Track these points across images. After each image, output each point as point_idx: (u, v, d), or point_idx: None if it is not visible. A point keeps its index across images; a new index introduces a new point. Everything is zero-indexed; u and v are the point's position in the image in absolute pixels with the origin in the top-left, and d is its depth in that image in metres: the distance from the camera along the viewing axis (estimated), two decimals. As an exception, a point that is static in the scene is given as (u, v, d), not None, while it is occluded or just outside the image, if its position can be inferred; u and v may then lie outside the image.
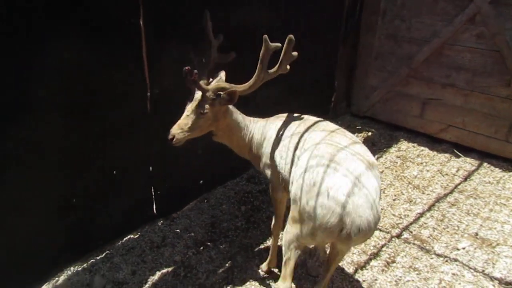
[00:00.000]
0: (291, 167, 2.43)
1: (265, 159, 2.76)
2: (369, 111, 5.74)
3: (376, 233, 3.60)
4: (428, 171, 4.57)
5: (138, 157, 3.32)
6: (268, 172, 2.77)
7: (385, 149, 5.04)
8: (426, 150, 5.01)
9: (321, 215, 2.04)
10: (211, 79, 2.67)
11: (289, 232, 2.32)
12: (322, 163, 2.15)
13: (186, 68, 2.36)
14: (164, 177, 3.60)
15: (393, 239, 3.54)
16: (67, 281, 3.04)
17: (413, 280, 3.09)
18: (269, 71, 2.53)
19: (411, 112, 5.31)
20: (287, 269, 2.40)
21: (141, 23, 2.93)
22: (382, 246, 3.45)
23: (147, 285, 3.04)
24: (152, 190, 3.56)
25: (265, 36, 2.35)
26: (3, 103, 2.39)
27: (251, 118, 2.87)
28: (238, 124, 2.77)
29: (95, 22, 2.71)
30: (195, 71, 2.38)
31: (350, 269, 3.20)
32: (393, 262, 3.28)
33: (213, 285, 3.05)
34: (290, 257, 2.36)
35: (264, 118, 2.87)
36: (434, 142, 5.14)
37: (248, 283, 3.08)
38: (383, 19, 5.22)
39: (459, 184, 4.33)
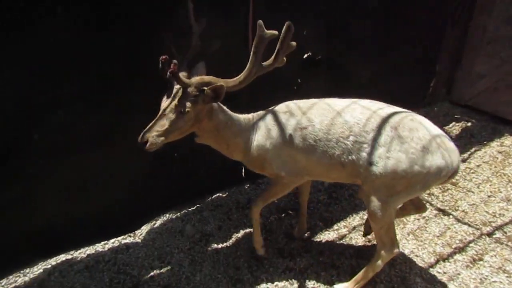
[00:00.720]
0: (353, 150, 2.37)
1: (278, 151, 2.54)
2: (472, 100, 5.33)
3: (464, 227, 3.45)
4: (533, 171, 4.18)
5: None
6: (282, 164, 2.57)
7: (485, 142, 4.68)
8: (534, 149, 4.56)
9: (443, 167, 2.28)
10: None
11: (389, 203, 2.41)
12: (409, 133, 2.28)
13: (163, 57, 2.02)
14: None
15: (483, 236, 3.35)
16: (162, 226, 3.42)
17: (501, 282, 2.93)
18: (263, 63, 2.26)
19: (522, 106, 4.83)
20: (393, 234, 2.60)
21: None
22: (470, 242, 3.29)
23: (230, 241, 3.29)
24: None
25: (260, 21, 2.10)
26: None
27: (243, 116, 2.58)
28: (227, 125, 2.45)
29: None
30: (174, 61, 2.01)
31: (431, 259, 3.13)
32: (480, 260, 3.12)
33: (292, 251, 3.20)
34: (391, 224, 2.54)
35: (254, 113, 2.64)
36: (545, 141, 4.64)
37: (326, 254, 3.18)
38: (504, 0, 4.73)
39: None
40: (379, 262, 2.65)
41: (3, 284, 2.84)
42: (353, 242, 3.30)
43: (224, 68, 3.17)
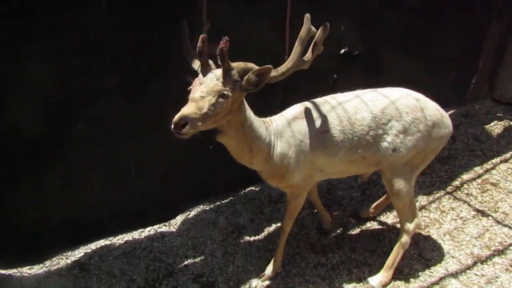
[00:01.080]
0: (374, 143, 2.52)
1: (300, 158, 2.45)
2: (515, 97, 5.10)
3: (504, 229, 3.33)
4: None
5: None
6: (300, 172, 2.50)
7: (529, 142, 4.48)
8: None
9: (447, 133, 2.64)
10: None
11: (411, 179, 2.67)
12: (422, 113, 2.52)
13: (203, 36, 1.89)
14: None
15: (525, 241, 3.24)
16: (196, 217, 3.50)
17: (543, 288, 2.83)
18: (304, 58, 2.19)
19: None
20: (414, 207, 2.84)
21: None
22: (510, 245, 3.18)
23: (263, 234, 3.33)
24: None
25: (308, 15, 2.08)
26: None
27: (262, 119, 2.40)
28: (252, 124, 2.27)
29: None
30: (226, 37, 1.86)
31: (468, 261, 3.05)
32: (521, 264, 3.02)
33: (324, 247, 3.20)
34: (412, 198, 2.76)
35: (270, 117, 2.50)
36: None
37: (358, 251, 3.16)
38: (554, -7, 4.49)
39: None
40: (406, 237, 2.81)
41: (47, 265, 3.00)
42: (387, 240, 3.26)
43: (259, 63, 3.21)
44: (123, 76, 2.67)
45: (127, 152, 2.88)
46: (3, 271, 2.89)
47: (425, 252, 3.13)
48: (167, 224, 3.41)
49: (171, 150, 3.06)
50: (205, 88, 1.96)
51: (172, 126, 1.89)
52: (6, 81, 2.33)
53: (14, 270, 2.92)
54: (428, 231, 3.33)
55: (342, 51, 3.52)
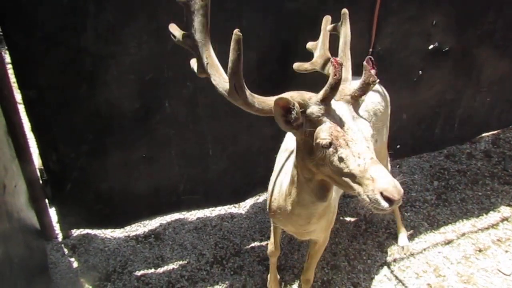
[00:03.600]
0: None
1: None
2: None
3: None
4: None
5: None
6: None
7: None
8: None
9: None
10: None
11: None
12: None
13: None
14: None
15: None
16: (265, 202, 3.57)
17: None
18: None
19: None
20: None
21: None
22: None
23: (329, 227, 3.32)
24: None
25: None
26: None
27: None
28: None
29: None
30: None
31: (554, 282, 2.81)
32: None
33: (391, 246, 3.12)
34: None
35: None
36: None
37: (430, 257, 3.04)
38: None
39: None
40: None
41: (126, 230, 3.26)
42: (461, 248, 3.10)
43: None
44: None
45: (207, 133, 3.01)
46: (90, 231, 3.19)
47: (504, 267, 2.93)
48: (236, 205, 3.52)
49: (249, 135, 3.14)
50: (368, 137, 1.45)
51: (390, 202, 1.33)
52: (108, 57, 2.53)
53: (99, 231, 3.21)
54: (509, 245, 3.11)
55: (431, 46, 3.33)
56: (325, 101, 1.45)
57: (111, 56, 2.53)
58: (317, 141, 1.41)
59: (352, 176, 1.36)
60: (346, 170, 1.37)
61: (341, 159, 1.37)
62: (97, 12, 2.37)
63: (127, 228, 3.25)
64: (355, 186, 1.36)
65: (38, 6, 2.27)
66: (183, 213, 3.39)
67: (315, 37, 2.96)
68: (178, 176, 3.11)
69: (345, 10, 1.86)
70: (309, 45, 2.30)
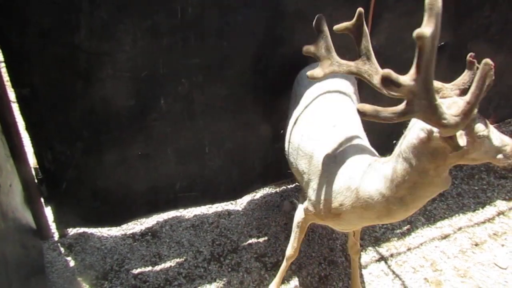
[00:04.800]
0: None
1: None
2: None
3: None
4: None
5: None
6: None
7: None
8: None
9: None
10: None
11: None
12: None
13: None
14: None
15: None
16: (262, 198, 3.57)
17: None
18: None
19: None
20: None
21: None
22: None
23: (327, 222, 3.33)
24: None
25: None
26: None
27: None
28: None
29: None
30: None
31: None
32: None
33: (389, 243, 3.13)
34: None
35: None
36: None
37: (426, 251, 3.06)
38: None
39: None
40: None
41: (123, 228, 3.24)
42: (458, 242, 3.12)
43: (338, 49, 3.15)
44: (206, 56, 2.76)
45: (203, 130, 3.00)
46: (86, 229, 3.18)
47: (500, 260, 2.95)
48: (233, 202, 3.52)
49: (245, 131, 3.13)
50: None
51: None
52: (103, 54, 2.51)
53: (96, 230, 3.20)
54: (505, 239, 3.13)
55: (427, 41, 3.33)
56: None
57: (106, 53, 2.51)
58: (479, 133, 1.62)
59: (495, 149, 1.67)
60: (493, 147, 1.67)
61: (490, 140, 1.66)
62: (91, 9, 2.35)
63: (124, 226, 3.24)
64: (498, 155, 1.68)
65: (31, 3, 2.24)
66: (180, 210, 3.38)
67: (309, 34, 2.97)
68: (175, 174, 3.10)
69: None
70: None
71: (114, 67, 2.57)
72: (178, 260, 3.02)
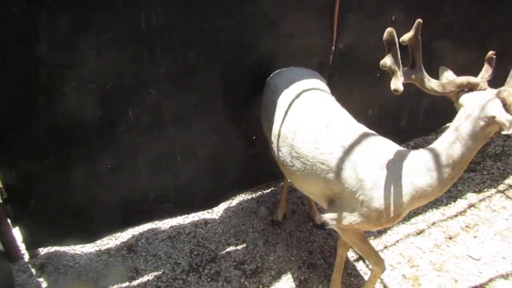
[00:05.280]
0: None
1: None
2: None
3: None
4: None
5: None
6: None
7: None
8: None
9: None
10: None
11: None
12: None
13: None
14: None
15: None
16: (238, 205, 3.55)
17: None
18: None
19: None
20: None
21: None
22: None
23: (304, 225, 3.33)
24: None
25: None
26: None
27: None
28: None
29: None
30: None
31: (520, 263, 2.91)
32: None
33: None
34: None
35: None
36: None
37: (402, 248, 3.10)
38: None
39: None
40: None
41: (97, 244, 3.16)
42: (432, 237, 3.17)
43: (305, 55, 3.17)
44: (173, 65, 2.72)
45: (174, 139, 2.95)
46: (59, 248, 3.08)
47: (473, 252, 3.02)
48: (210, 211, 3.48)
49: (217, 138, 3.11)
50: None
51: None
52: (65, 67, 2.44)
53: (68, 248, 3.10)
54: (477, 230, 3.20)
55: (390, 41, 3.39)
56: None
57: (69, 66, 2.45)
58: None
59: None
60: None
61: None
62: (51, 22, 2.29)
63: (98, 242, 3.15)
64: None
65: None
66: (156, 222, 3.32)
67: (276, 39, 2.98)
68: (147, 185, 3.04)
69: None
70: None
71: (78, 80, 2.51)
72: (156, 273, 2.96)
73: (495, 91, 1.87)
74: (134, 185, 2.98)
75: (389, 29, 1.87)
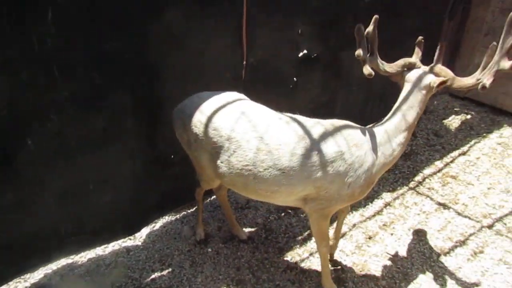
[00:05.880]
0: None
1: None
2: (471, 92, 5.29)
3: (465, 220, 3.44)
4: (533, 162, 4.16)
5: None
6: None
7: (484, 134, 4.66)
8: (534, 139, 4.54)
9: None
10: None
11: None
12: None
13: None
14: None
15: (484, 229, 3.35)
16: (162, 228, 3.41)
17: (501, 274, 2.93)
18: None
19: (521, 96, 4.80)
20: None
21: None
22: (471, 235, 3.29)
23: (230, 241, 3.28)
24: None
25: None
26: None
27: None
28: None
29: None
30: None
31: (432, 254, 3.12)
32: (481, 252, 3.12)
33: (292, 250, 3.20)
34: None
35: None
36: (545, 131, 4.62)
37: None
38: (500, -9, 4.70)
39: None
40: None
41: (4, 290, 2.85)
42: (354, 239, 3.30)
43: (216, 70, 3.17)
44: (75, 89, 2.56)
45: (83, 167, 2.77)
46: (-45, 300, 2.72)
47: (391, 249, 3.18)
48: (131, 237, 3.31)
49: (131, 161, 2.98)
50: None
51: None
52: None
53: (-32, 298, 2.76)
54: (393, 228, 3.39)
55: (301, 54, 3.53)
56: None
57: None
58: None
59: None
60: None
61: None
62: None
63: (4, 287, 2.84)
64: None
65: None
66: (71, 257, 3.08)
67: (185, 55, 2.94)
68: (57, 218, 2.81)
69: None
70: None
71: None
72: (73, 313, 2.73)
73: (428, 68, 2.40)
74: (40, 220, 2.74)
75: (358, 25, 2.27)
